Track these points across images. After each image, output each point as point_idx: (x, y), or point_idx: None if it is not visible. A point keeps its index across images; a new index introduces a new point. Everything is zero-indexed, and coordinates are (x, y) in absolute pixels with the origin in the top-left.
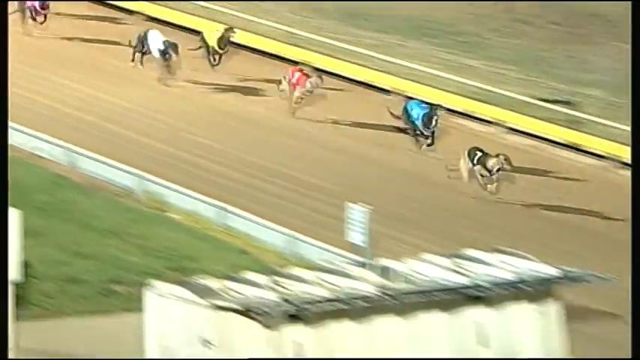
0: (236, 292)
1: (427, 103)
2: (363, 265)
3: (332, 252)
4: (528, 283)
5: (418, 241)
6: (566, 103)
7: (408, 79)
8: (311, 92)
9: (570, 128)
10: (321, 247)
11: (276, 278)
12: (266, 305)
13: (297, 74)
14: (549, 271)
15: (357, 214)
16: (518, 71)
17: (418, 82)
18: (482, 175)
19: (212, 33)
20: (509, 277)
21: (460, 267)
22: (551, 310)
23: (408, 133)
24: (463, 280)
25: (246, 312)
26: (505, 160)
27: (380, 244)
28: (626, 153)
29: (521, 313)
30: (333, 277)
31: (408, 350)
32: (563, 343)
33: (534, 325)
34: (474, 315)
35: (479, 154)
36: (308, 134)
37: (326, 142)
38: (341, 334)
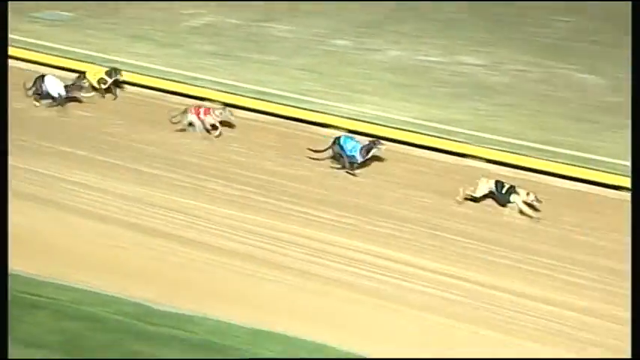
0: None
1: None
2: None
3: None
4: None
5: None
6: None
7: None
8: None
9: None
10: None
11: None
12: None
13: (202, 109)
14: None
15: None
16: None
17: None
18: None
19: (96, 73)
20: None
21: None
22: None
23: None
24: None
25: None
26: (535, 198)
27: None
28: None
29: None
30: None
31: None
32: None
33: None
34: None
35: (507, 186)
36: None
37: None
38: None
